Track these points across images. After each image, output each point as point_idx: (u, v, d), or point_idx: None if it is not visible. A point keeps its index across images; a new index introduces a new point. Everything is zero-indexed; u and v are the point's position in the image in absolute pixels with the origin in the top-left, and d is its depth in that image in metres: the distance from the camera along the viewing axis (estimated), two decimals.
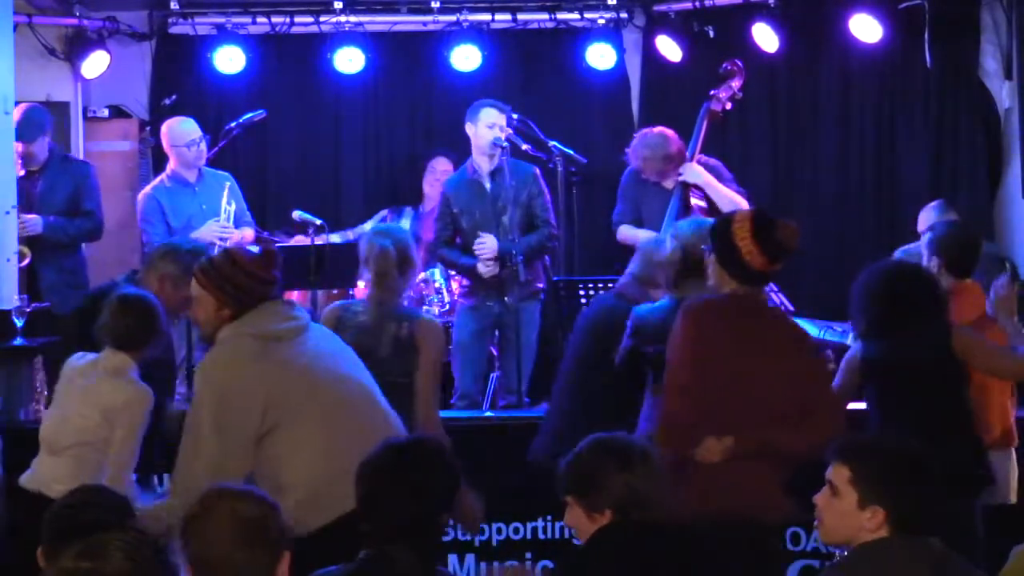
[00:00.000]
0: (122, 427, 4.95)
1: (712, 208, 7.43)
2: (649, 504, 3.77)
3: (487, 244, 7.43)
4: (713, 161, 7.71)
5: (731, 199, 7.46)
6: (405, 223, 8.45)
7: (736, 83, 7.77)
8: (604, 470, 3.78)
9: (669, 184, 7.61)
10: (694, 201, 7.51)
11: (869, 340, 5.37)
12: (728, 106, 7.77)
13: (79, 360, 5.18)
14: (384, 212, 8.61)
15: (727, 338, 4.67)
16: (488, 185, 7.58)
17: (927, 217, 7.27)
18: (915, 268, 5.60)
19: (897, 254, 6.67)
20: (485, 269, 7.43)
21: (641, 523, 3.74)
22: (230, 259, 4.67)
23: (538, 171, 7.67)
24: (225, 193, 7.82)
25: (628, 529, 3.73)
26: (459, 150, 8.38)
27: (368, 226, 8.36)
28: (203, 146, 7.90)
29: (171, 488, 4.69)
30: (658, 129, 7.75)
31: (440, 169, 8.51)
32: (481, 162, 7.62)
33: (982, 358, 5.28)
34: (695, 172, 7.52)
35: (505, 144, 7.53)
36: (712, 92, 7.77)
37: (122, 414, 4.96)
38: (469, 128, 7.65)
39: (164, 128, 8.02)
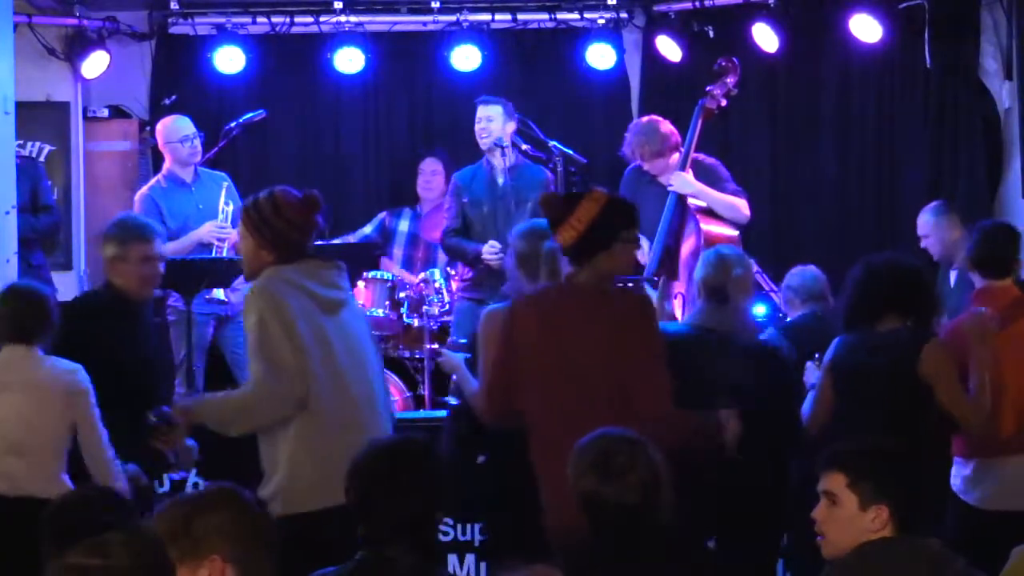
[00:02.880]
0: None
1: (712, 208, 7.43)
2: None
3: (496, 248, 7.40)
4: (710, 160, 7.65)
5: (725, 202, 7.41)
6: (404, 224, 8.45)
7: (731, 80, 7.72)
8: None
9: (667, 180, 7.57)
10: (694, 202, 7.47)
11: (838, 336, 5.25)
12: (723, 103, 7.71)
13: None
14: (383, 215, 8.60)
15: (535, 332, 4.60)
16: (501, 180, 7.61)
17: (926, 219, 7.23)
18: (899, 262, 5.29)
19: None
20: (491, 256, 7.42)
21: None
22: (273, 202, 4.78)
23: (550, 175, 7.68)
24: (223, 193, 7.80)
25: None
26: (459, 150, 8.39)
27: (368, 229, 8.38)
28: (197, 143, 7.85)
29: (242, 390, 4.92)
30: (646, 118, 7.74)
31: (429, 170, 8.53)
32: (492, 159, 7.67)
33: (943, 388, 4.99)
34: (684, 181, 7.42)
35: (506, 144, 7.54)
36: (708, 88, 7.75)
37: None
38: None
39: (159, 126, 8.00)
